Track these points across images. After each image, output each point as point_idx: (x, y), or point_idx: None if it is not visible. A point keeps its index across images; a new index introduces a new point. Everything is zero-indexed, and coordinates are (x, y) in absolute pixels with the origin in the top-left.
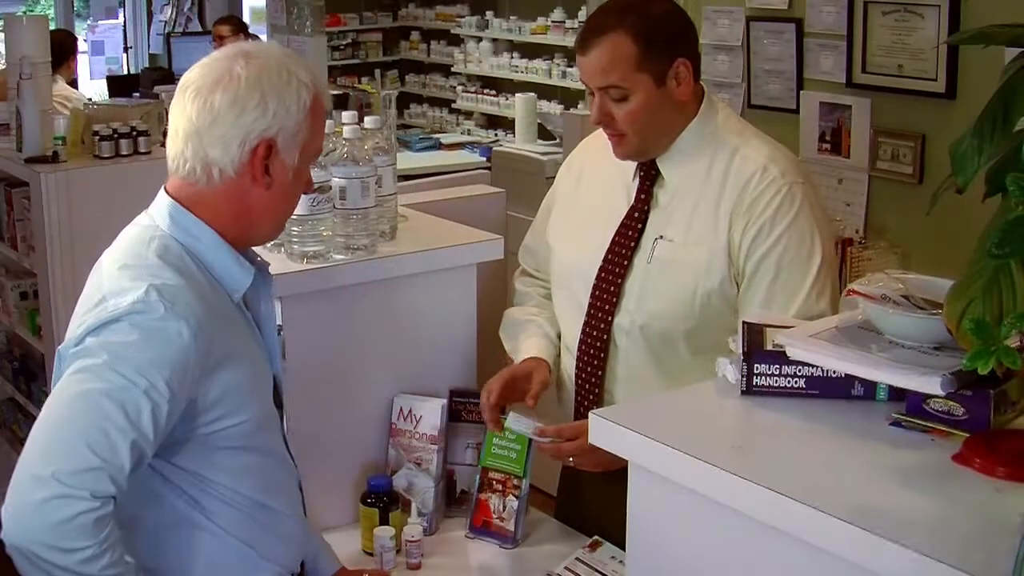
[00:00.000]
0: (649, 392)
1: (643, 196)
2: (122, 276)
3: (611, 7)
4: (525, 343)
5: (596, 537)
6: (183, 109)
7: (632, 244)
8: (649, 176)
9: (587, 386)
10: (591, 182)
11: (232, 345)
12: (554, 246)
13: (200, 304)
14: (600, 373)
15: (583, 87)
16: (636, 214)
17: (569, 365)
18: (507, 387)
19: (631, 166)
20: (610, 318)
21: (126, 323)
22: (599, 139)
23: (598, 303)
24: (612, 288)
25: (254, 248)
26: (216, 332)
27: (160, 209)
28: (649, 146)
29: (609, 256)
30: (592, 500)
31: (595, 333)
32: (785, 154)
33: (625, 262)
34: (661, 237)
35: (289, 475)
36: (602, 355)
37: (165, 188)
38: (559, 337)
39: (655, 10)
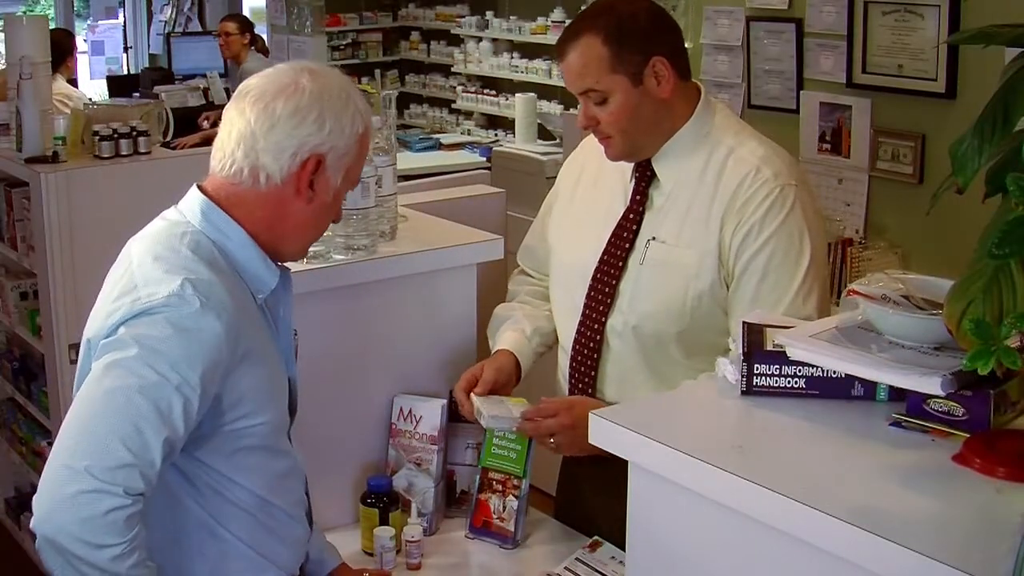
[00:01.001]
0: (640, 392)
1: (638, 197)
2: (156, 267)
3: (585, 12)
4: (499, 338)
5: (596, 537)
6: (242, 112)
7: (627, 245)
8: (644, 177)
9: (580, 385)
10: (591, 182)
11: (256, 344)
12: (553, 245)
13: (231, 300)
14: (593, 373)
15: None
16: (631, 215)
17: (564, 364)
18: (469, 387)
19: (629, 167)
20: (604, 319)
21: (160, 316)
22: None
23: (593, 303)
24: (607, 289)
25: None
26: (243, 329)
27: (191, 206)
28: (637, 147)
29: (605, 257)
30: (592, 500)
31: (589, 333)
32: (781, 156)
33: (620, 263)
34: (654, 238)
35: (300, 479)
36: (595, 355)
37: (198, 185)
38: (538, 331)
39: (626, 10)
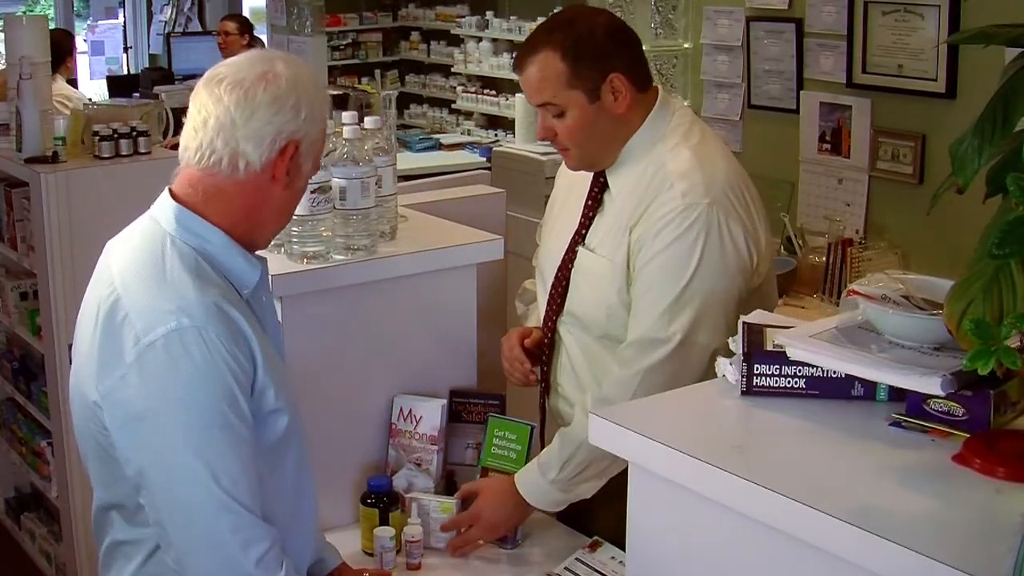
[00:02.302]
0: (585, 382)
1: (590, 203)
2: (145, 293)
3: (545, 24)
4: (532, 315)
5: (596, 537)
6: (219, 99)
7: (576, 248)
8: (598, 184)
9: (544, 370)
10: (573, 183)
11: (257, 342)
12: (541, 241)
13: (224, 312)
14: (550, 361)
15: None
16: (584, 220)
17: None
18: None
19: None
20: (556, 316)
21: (170, 372)
22: None
23: (551, 299)
24: (560, 288)
25: None
26: (245, 330)
27: (165, 213)
28: (594, 159)
29: (565, 256)
30: (592, 500)
31: (550, 324)
32: (706, 171)
33: (569, 266)
34: (583, 244)
35: (308, 481)
36: (550, 347)
37: (170, 189)
38: None
39: (584, 26)
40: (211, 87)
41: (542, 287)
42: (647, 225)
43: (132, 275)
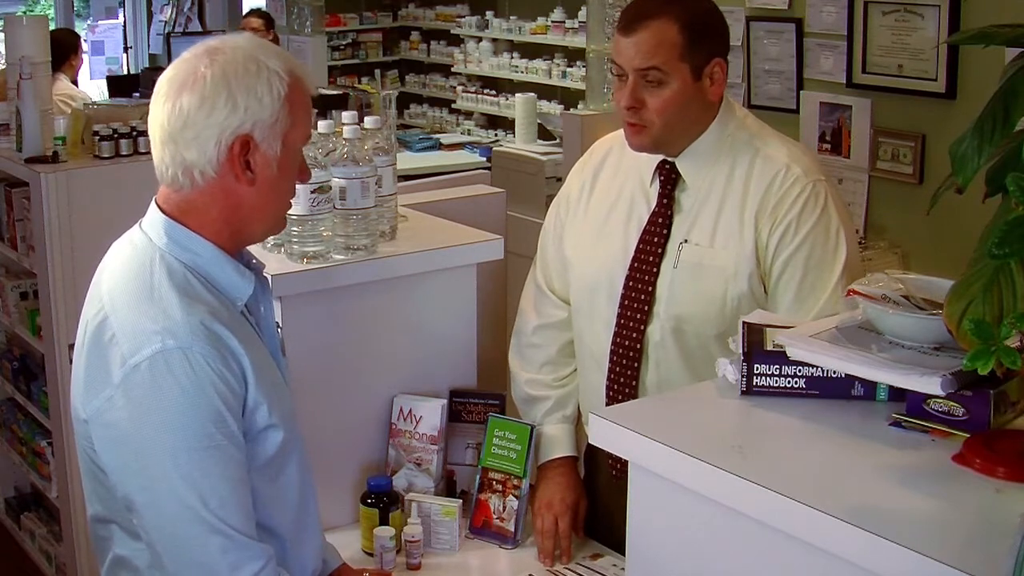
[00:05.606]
0: None
1: (665, 200)
2: (132, 312)
3: None
4: (549, 428)
5: (596, 552)
6: (155, 116)
7: (659, 250)
8: (670, 180)
9: (619, 398)
10: (605, 190)
11: (250, 356)
12: (573, 259)
13: (211, 331)
14: (634, 383)
15: (583, 87)
16: (659, 219)
17: (598, 380)
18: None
19: (648, 171)
20: (642, 327)
21: (155, 394)
22: (609, 144)
23: (628, 312)
24: (642, 296)
25: (251, 250)
26: (235, 348)
27: (155, 226)
28: (668, 140)
29: (635, 264)
30: (591, 501)
31: (627, 343)
32: (805, 152)
33: (654, 269)
34: (686, 241)
35: (311, 491)
36: (635, 365)
37: (156, 201)
38: (574, 402)
39: (702, 6)
40: (152, 104)
41: (595, 310)
42: (779, 211)
43: (120, 293)
